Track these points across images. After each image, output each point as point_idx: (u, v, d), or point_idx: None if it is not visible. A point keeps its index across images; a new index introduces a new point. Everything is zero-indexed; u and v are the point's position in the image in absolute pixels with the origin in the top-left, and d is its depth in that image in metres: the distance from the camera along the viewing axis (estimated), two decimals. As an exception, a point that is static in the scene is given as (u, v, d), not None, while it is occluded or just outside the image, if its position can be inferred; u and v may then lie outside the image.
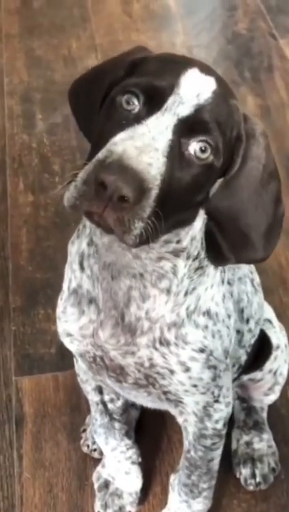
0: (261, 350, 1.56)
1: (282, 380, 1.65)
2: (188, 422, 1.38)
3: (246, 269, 1.41)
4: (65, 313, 1.27)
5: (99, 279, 1.20)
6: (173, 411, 1.39)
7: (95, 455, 1.71)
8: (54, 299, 2.01)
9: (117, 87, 1.07)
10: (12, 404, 1.82)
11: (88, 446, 1.72)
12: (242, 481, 1.68)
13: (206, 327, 1.22)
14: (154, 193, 0.98)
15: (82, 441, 1.73)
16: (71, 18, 3.07)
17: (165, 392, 1.29)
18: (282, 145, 2.50)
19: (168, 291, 1.18)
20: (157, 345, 1.22)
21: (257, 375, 1.60)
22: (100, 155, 0.99)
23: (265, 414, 1.74)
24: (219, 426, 1.37)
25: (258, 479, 1.67)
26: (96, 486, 1.64)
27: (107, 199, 0.95)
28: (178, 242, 1.14)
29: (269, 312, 1.63)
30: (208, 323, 1.23)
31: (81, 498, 1.66)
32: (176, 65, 1.06)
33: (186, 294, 1.19)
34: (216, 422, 1.36)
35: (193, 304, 1.20)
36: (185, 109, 1.02)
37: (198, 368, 1.24)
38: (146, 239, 0.99)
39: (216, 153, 1.03)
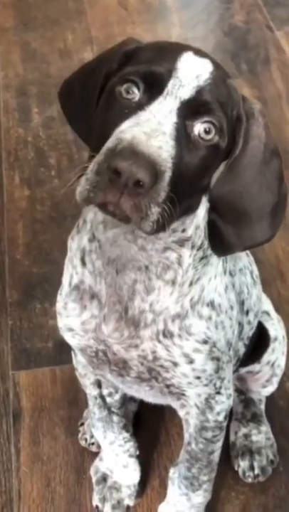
0: (259, 342, 1.56)
1: (279, 372, 1.65)
2: (190, 414, 1.37)
3: (246, 261, 1.41)
4: (66, 309, 1.27)
5: (102, 274, 1.19)
6: (174, 404, 1.39)
7: (93, 449, 1.71)
8: (51, 294, 2.03)
9: (114, 78, 1.07)
10: (9, 398, 1.82)
11: (86, 439, 1.71)
12: (240, 473, 1.68)
13: (210, 318, 1.23)
14: (168, 175, 0.98)
15: (80, 435, 1.73)
16: (66, 11, 3.06)
17: (168, 386, 1.29)
18: (279, 137, 2.49)
19: (173, 282, 1.18)
20: (161, 337, 1.21)
21: (255, 367, 1.60)
22: (110, 144, 0.98)
23: (263, 407, 1.74)
24: (220, 418, 1.37)
25: (256, 471, 1.67)
26: (94, 479, 1.64)
27: (123, 186, 0.95)
28: (183, 231, 1.14)
29: (267, 304, 1.63)
30: (212, 314, 1.23)
31: (79, 492, 1.66)
32: (170, 50, 1.06)
33: (190, 284, 1.19)
34: (218, 414, 1.36)
35: (197, 294, 1.20)
36: (186, 92, 1.02)
37: (202, 359, 1.24)
38: (162, 225, 0.99)
39: (221, 133, 1.04)
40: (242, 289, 1.38)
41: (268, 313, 1.60)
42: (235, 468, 1.68)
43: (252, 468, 1.67)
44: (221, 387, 1.33)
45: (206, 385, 1.29)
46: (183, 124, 1.02)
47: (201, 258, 1.18)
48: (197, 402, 1.34)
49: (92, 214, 1.19)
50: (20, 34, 2.95)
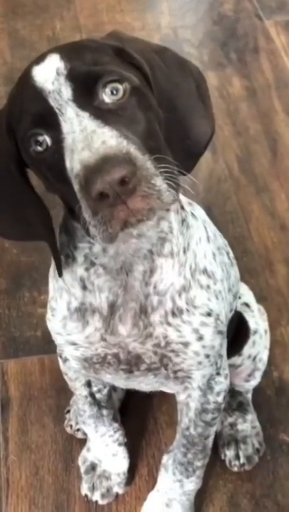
0: (239, 334, 1.56)
1: (262, 366, 1.66)
2: (191, 397, 1.38)
3: (221, 242, 1.40)
4: (65, 329, 1.27)
5: (102, 288, 1.19)
6: (176, 388, 1.39)
7: (79, 435, 1.71)
8: (39, 282, 2.03)
9: (21, 151, 1.05)
10: (-2, 387, 1.82)
11: (71, 426, 1.72)
12: (227, 462, 1.69)
13: (209, 287, 1.24)
14: (134, 149, 0.96)
15: (65, 422, 1.73)
16: (55, -2, 3.04)
17: (176, 371, 1.30)
18: (268, 126, 2.49)
19: (171, 254, 1.19)
20: (170, 318, 1.22)
21: (236, 360, 1.61)
22: (76, 186, 0.98)
23: (249, 395, 1.75)
24: (220, 399, 1.39)
25: (241, 460, 1.68)
26: (82, 469, 1.64)
27: (118, 197, 0.94)
28: None
29: (248, 296, 1.63)
30: (209, 282, 1.24)
31: (67, 480, 1.67)
32: (26, 84, 1.04)
33: (184, 251, 1.20)
34: (217, 394, 1.38)
35: (193, 261, 1.22)
36: (66, 88, 1.00)
37: (210, 333, 1.25)
38: (176, 184, 0.99)
39: (122, 79, 1.02)
40: (222, 268, 1.38)
41: (247, 305, 1.61)
42: (222, 458, 1.69)
43: (238, 457, 1.68)
44: (220, 367, 1.36)
45: (211, 365, 1.31)
46: (94, 108, 1.00)
47: (182, 221, 1.20)
48: (200, 384, 1.36)
49: (84, 250, 1.18)
50: (9, 21, 2.93)
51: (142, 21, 2.92)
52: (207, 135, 1.12)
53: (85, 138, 0.97)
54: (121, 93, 1.02)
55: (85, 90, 1.01)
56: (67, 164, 0.99)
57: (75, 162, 0.97)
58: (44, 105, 1.01)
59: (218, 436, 1.70)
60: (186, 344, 1.25)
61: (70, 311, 1.25)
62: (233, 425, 1.71)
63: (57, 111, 1.00)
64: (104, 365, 1.31)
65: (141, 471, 1.68)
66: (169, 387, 1.43)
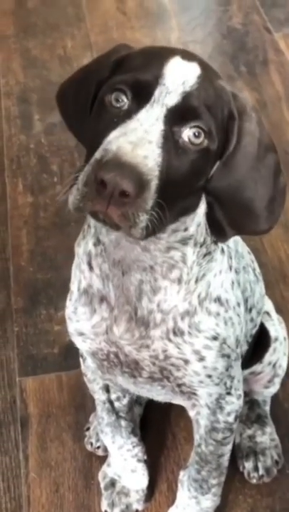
0: (260, 342, 1.57)
1: (281, 372, 1.66)
2: (200, 414, 1.39)
3: (248, 259, 1.43)
4: (76, 314, 1.28)
5: (109, 276, 1.21)
6: (185, 404, 1.40)
7: (99, 452, 1.72)
8: (56, 299, 2.05)
9: (104, 87, 1.08)
10: (17, 405, 1.83)
11: (92, 443, 1.73)
12: (245, 474, 1.69)
13: (218, 314, 1.24)
14: (154, 184, 0.99)
15: (85, 439, 1.74)
16: (66, 17, 3.07)
17: (179, 385, 1.30)
18: (279, 138, 2.50)
19: (179, 280, 1.19)
20: (171, 336, 1.23)
21: (257, 367, 1.61)
22: (97, 155, 1.00)
23: (267, 408, 1.75)
24: (231, 419, 1.39)
25: (260, 472, 1.68)
26: (102, 485, 1.65)
27: (109, 196, 0.97)
28: (185, 229, 1.15)
29: (268, 305, 1.64)
30: (220, 310, 1.24)
31: (87, 497, 1.67)
32: (158, 56, 1.07)
33: (196, 281, 1.20)
34: (228, 414, 1.38)
35: (204, 291, 1.22)
36: (172, 99, 1.03)
37: (213, 356, 1.25)
38: (152, 230, 1.01)
39: (210, 136, 1.05)
40: (246, 287, 1.39)
41: (268, 314, 1.61)
42: (240, 470, 1.69)
43: (256, 469, 1.68)
44: (231, 387, 1.35)
45: (217, 384, 1.31)
46: (170, 131, 1.03)
47: (205, 254, 1.20)
48: (208, 402, 1.35)
49: None
50: (21, 41, 2.96)
51: (152, 37, 2.94)
52: (260, 232, 1.17)
53: (140, 138, 1.00)
54: (196, 142, 1.04)
55: (181, 113, 1.03)
56: (111, 134, 1.01)
57: (115, 142, 0.99)
58: (150, 84, 1.03)
59: (236, 448, 1.71)
60: (186, 361, 1.25)
61: (79, 292, 1.26)
62: (251, 437, 1.72)
63: (151, 98, 1.03)
64: (111, 364, 1.32)
65: (160, 486, 1.68)
66: (179, 402, 1.44)
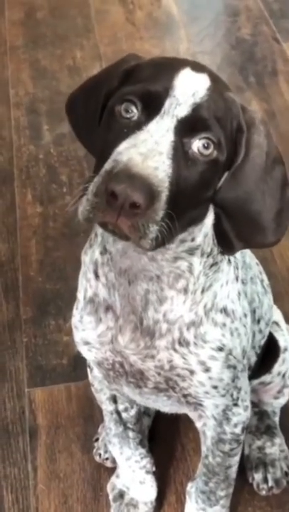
0: (269, 352, 1.57)
1: None
2: (207, 426, 1.38)
3: (256, 270, 1.42)
4: (82, 322, 1.29)
5: (115, 286, 1.21)
6: (192, 415, 1.40)
7: (108, 464, 1.71)
8: (65, 310, 2.05)
9: (114, 97, 1.08)
10: (25, 416, 1.83)
11: (100, 455, 1.72)
12: (255, 486, 1.68)
13: (224, 325, 1.24)
14: (164, 195, 1.00)
15: (94, 450, 1.74)
16: (75, 28, 3.09)
17: (185, 395, 1.30)
18: (287, 149, 2.50)
19: (185, 290, 1.19)
20: (176, 346, 1.23)
21: (266, 378, 1.61)
22: (107, 166, 1.01)
23: (277, 419, 1.74)
24: (238, 430, 1.38)
25: (270, 483, 1.67)
26: (111, 496, 1.64)
27: (119, 208, 0.97)
28: (192, 240, 1.15)
29: (277, 315, 1.63)
30: (226, 320, 1.24)
31: (96, 509, 1.67)
32: (168, 67, 1.07)
33: (202, 291, 1.20)
34: (235, 426, 1.37)
35: (210, 301, 1.22)
36: (183, 110, 1.03)
37: (219, 367, 1.25)
38: (162, 241, 1.01)
39: (219, 147, 1.05)
40: (253, 298, 1.39)
41: (277, 324, 1.61)
42: (250, 481, 1.68)
43: (266, 480, 1.67)
44: (238, 399, 1.34)
45: (223, 396, 1.30)
46: (180, 142, 1.03)
47: (212, 265, 1.20)
48: (214, 414, 1.35)
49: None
50: (30, 52, 2.98)
51: (161, 48, 2.96)
52: (259, 244, 1.18)
53: (150, 150, 1.00)
54: (205, 153, 1.05)
55: (191, 124, 1.04)
56: (121, 145, 1.01)
57: (125, 153, 1.00)
58: (160, 95, 1.04)
59: (246, 459, 1.70)
60: (191, 372, 1.25)
61: (85, 300, 1.26)
62: (261, 448, 1.71)
63: (162, 110, 1.03)
64: (116, 374, 1.32)
65: (169, 498, 1.67)
66: (185, 412, 1.43)
